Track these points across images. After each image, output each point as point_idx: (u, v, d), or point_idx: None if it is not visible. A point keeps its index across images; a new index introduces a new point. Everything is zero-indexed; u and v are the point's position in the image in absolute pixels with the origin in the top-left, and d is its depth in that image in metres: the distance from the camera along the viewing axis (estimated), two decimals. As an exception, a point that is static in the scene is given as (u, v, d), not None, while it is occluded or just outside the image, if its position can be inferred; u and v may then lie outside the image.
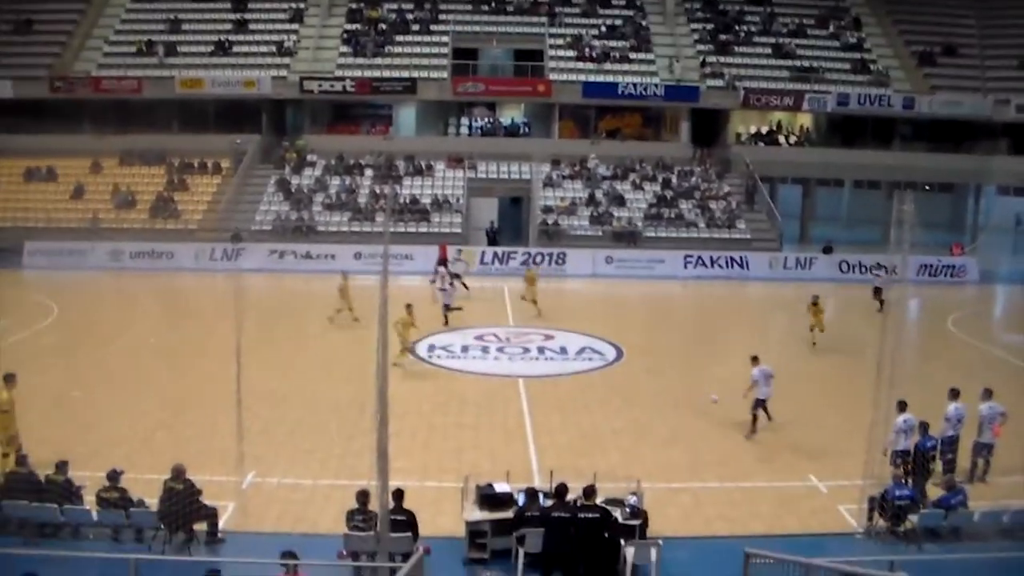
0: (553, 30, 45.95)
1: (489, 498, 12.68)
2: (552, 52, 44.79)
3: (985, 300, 35.48)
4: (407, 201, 39.44)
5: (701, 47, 45.93)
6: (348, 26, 46.00)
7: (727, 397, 18.25)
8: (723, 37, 46.34)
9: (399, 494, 11.84)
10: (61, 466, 13.12)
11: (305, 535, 12.77)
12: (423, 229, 38.35)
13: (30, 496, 12.67)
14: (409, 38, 45.47)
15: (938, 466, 15.10)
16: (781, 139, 46.51)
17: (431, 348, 24.17)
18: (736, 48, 45.99)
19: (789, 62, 45.19)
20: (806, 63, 45.05)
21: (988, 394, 15.68)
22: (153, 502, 12.71)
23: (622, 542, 11.95)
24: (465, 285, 30.96)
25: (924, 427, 14.83)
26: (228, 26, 45.57)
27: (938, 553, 12.80)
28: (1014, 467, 15.52)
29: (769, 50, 45.93)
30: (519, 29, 46.03)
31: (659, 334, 28.26)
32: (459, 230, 38.81)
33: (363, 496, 11.94)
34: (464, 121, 46.21)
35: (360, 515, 11.92)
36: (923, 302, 30.48)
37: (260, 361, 19.53)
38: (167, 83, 41.91)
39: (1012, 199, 48.24)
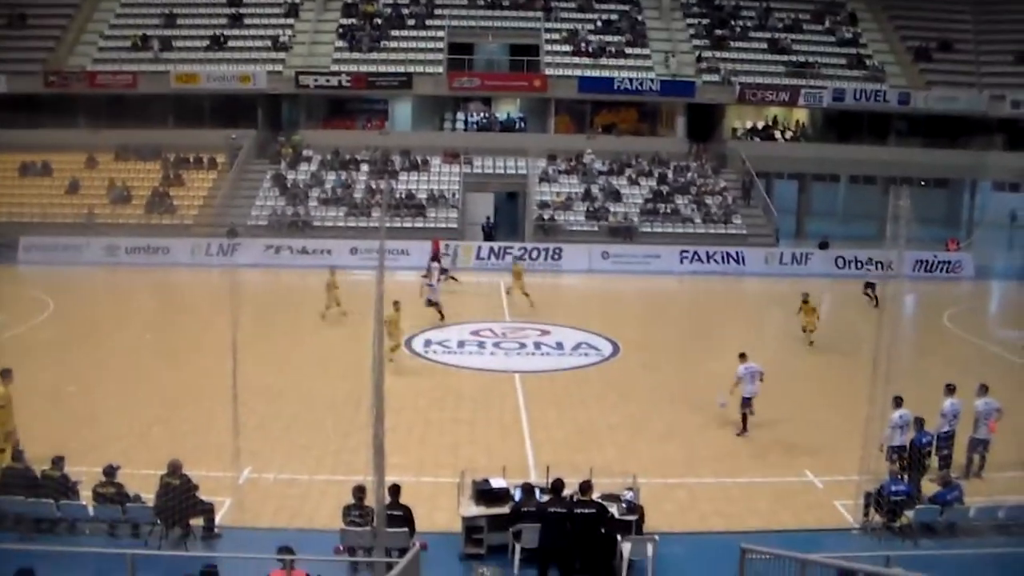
0: (549, 25, 45.87)
1: (485, 493, 12.68)
2: (548, 47, 44.72)
3: (981, 296, 35.57)
4: (403, 196, 39.40)
5: (697, 42, 45.88)
6: (343, 21, 45.88)
7: (723, 393, 18.23)
8: (719, 32, 46.28)
9: (395, 489, 11.86)
10: (57, 461, 13.10)
11: (301, 530, 12.78)
12: (419, 224, 38.33)
13: (26, 491, 12.65)
14: (405, 33, 45.36)
15: (934, 462, 15.16)
16: (777, 134, 46.61)
17: (427, 343, 24.16)
18: (732, 43, 45.94)
19: (785, 57, 45.17)
20: (802, 58, 45.02)
21: (984, 390, 15.71)
22: (149, 497, 12.70)
23: (618, 537, 11.98)
24: (454, 278, 30.96)
25: (920, 423, 14.87)
26: (223, 21, 45.43)
27: (934, 549, 12.85)
28: (1009, 463, 15.58)
29: (765, 45, 45.91)
30: (515, 24, 45.92)
31: (655, 329, 28.27)
32: (455, 225, 38.79)
33: (359, 491, 11.96)
34: (460, 116, 46.21)
35: (356, 510, 11.94)
36: (919, 298, 30.49)
37: (256, 356, 19.51)
38: (162, 78, 41.76)
39: (1007, 195, 48.37)
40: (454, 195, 40.20)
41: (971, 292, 35.60)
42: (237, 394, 12.09)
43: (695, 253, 37.14)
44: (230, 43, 44.21)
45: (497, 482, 12.92)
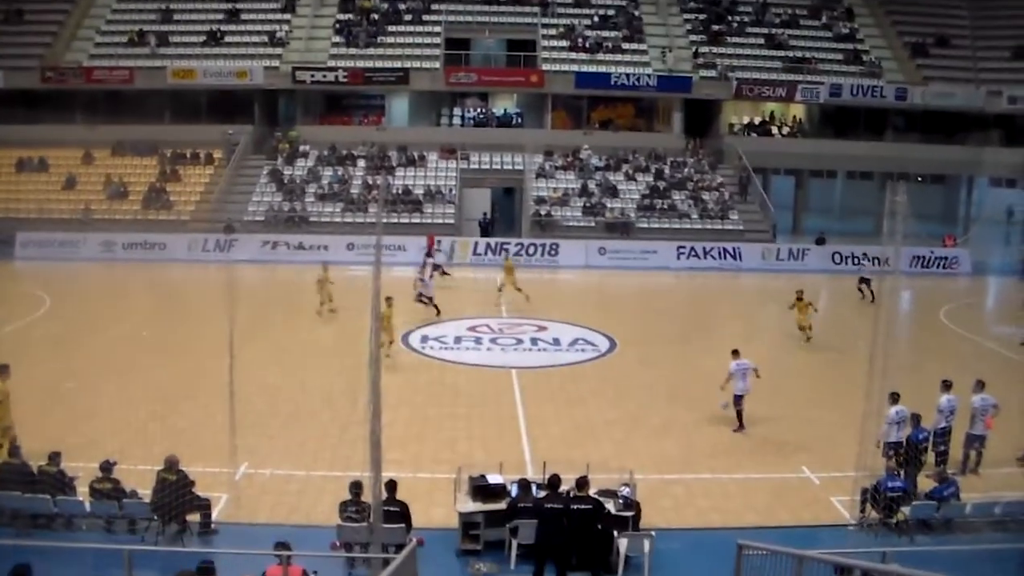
0: (546, 20, 45.82)
1: (482, 489, 12.69)
2: (545, 42, 44.69)
3: (977, 292, 35.59)
4: (400, 192, 39.37)
5: (694, 37, 45.86)
6: (340, 16, 45.81)
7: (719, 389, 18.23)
8: (716, 27, 46.26)
9: (392, 485, 11.86)
10: (54, 457, 13.08)
11: (298, 526, 12.77)
12: (416, 220, 38.29)
13: (23, 487, 12.64)
14: (401, 28, 45.28)
15: (930, 458, 15.16)
16: (774, 130, 46.61)
17: (424, 339, 24.15)
18: (729, 38, 45.93)
19: (782, 53, 45.16)
20: (799, 54, 45.03)
21: (980, 386, 15.72)
22: (146, 493, 12.69)
23: (615, 533, 11.99)
24: (446, 273, 30.92)
25: (916, 419, 14.86)
26: (220, 16, 45.33)
27: (930, 545, 12.87)
28: (1006, 459, 15.62)
29: (762, 40, 45.89)
30: (512, 19, 45.88)
31: (652, 325, 28.23)
32: (452, 221, 38.78)
33: (356, 487, 11.96)
34: (457, 111, 46.21)
35: (353, 506, 11.93)
36: (915, 293, 30.54)
37: (253, 352, 19.52)
38: (159, 73, 41.72)
39: (1004, 190, 48.31)
40: (451, 191, 40.18)
41: (968, 288, 35.59)
42: (234, 390, 12.09)
43: (692, 249, 37.16)
44: (227, 39, 44.14)
45: (494, 478, 12.93)
